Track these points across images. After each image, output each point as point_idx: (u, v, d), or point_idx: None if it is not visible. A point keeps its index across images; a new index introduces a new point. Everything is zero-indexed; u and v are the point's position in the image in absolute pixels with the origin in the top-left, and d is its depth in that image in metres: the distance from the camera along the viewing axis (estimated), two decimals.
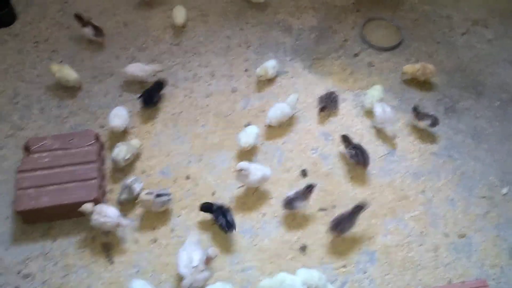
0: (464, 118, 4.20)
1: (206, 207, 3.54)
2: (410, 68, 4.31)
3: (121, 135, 3.94)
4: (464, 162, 3.96)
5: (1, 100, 4.16)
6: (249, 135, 3.85)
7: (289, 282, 3.17)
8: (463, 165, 3.95)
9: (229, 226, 3.45)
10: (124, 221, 3.46)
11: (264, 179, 3.68)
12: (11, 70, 4.34)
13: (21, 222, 3.55)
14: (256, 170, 3.64)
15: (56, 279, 3.37)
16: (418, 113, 4.04)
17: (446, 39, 4.68)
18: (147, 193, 3.50)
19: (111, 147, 3.86)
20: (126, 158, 3.73)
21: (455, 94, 4.33)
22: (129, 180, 3.64)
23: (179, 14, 4.60)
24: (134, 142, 3.86)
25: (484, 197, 3.79)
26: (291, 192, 3.62)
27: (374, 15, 4.77)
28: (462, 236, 3.62)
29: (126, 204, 3.61)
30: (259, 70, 4.23)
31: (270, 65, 4.24)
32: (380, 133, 4.06)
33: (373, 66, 4.49)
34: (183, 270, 3.23)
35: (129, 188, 3.59)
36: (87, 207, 3.38)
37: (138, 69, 4.19)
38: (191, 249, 3.32)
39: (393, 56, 4.56)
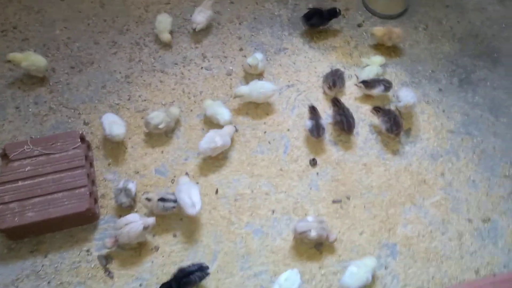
0: (480, 90, 3.88)
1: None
2: (379, 31, 3.95)
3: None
4: (483, 139, 3.68)
5: None
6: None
7: None
8: (483, 142, 3.66)
9: None
10: (150, 220, 3.11)
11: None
12: None
13: (6, 238, 3.20)
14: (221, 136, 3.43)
15: None
16: (367, 83, 3.73)
17: (455, 2, 4.30)
18: (146, 198, 3.18)
19: (99, 149, 3.51)
20: (160, 126, 3.44)
21: (468, 63, 4.00)
22: (120, 183, 3.29)
23: (164, 25, 3.95)
24: (174, 109, 3.55)
25: (507, 176, 3.53)
26: (308, 125, 3.53)
27: None
28: (486, 220, 3.37)
29: (126, 210, 3.28)
30: (251, 60, 3.74)
31: (259, 57, 3.78)
32: None
33: None
34: (190, 210, 3.15)
35: (124, 190, 3.25)
36: (108, 242, 3.10)
37: (204, 15, 3.95)
38: (187, 188, 3.21)
39: (400, 24, 4.18)
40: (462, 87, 3.89)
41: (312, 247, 3.24)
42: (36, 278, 3.12)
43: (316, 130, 3.52)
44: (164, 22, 3.93)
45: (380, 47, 4.02)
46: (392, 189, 3.46)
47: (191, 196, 3.17)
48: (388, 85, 3.71)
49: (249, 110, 3.73)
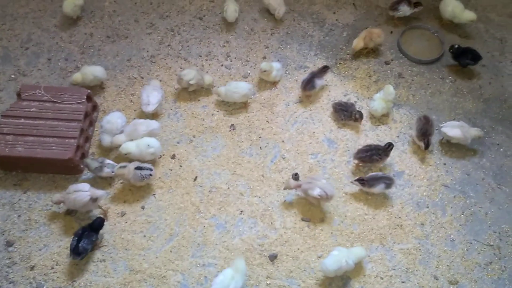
0: (491, 154, 3.71)
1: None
2: (357, 40, 4.05)
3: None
4: (477, 202, 3.51)
5: (13, 43, 4.11)
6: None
7: None
8: (476, 205, 3.50)
9: (76, 252, 3.07)
10: (99, 192, 3.24)
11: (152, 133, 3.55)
12: (31, 16, 4.27)
13: None
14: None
15: (15, 231, 3.28)
16: (363, 181, 3.42)
17: (493, 64, 4.15)
18: (121, 167, 3.33)
19: (105, 113, 3.73)
20: (191, 82, 3.73)
21: (487, 125, 3.83)
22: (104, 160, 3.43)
23: (230, 9, 4.18)
24: (208, 76, 3.85)
25: (490, 245, 3.34)
26: (305, 75, 3.81)
27: (418, 23, 4.31)
28: (453, 283, 3.21)
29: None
30: (264, 65, 3.83)
31: (275, 66, 3.90)
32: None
33: (403, 78, 4.06)
34: (143, 107, 3.59)
35: (101, 163, 3.39)
36: (55, 198, 3.26)
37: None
38: (150, 89, 3.64)
39: (428, 71, 4.11)
40: (472, 147, 3.74)
41: (267, 256, 3.25)
42: (10, 209, 3.37)
43: (306, 83, 3.74)
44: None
45: (400, 89, 3.96)
46: (365, 224, 3.39)
47: (149, 96, 3.58)
48: (389, 182, 3.39)
49: (251, 114, 3.82)
